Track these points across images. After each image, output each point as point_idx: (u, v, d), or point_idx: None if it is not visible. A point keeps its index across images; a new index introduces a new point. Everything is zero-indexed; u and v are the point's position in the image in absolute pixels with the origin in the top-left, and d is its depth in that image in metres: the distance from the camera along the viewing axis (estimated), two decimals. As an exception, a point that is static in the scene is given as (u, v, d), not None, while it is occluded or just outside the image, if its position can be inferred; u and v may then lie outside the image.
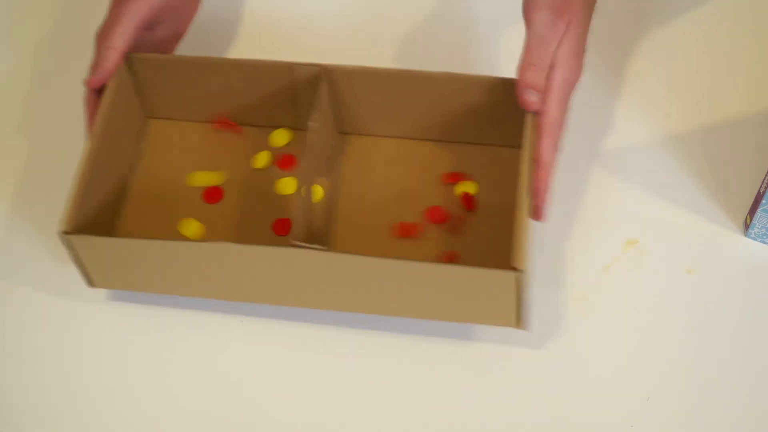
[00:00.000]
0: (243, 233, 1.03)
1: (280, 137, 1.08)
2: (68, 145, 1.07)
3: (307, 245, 0.92)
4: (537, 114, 0.97)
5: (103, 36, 1.02)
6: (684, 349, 1.00)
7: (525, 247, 0.90)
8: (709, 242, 1.05)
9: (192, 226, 1.03)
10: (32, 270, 1.04)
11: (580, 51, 0.98)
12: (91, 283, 0.98)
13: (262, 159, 1.07)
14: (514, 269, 0.89)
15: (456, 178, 1.04)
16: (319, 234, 1.01)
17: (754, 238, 1.04)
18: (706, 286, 1.02)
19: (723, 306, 1.01)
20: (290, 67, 1.02)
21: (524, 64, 0.97)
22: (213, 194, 1.05)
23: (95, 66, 1.02)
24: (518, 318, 0.94)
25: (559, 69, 0.97)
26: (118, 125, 1.04)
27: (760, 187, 1.02)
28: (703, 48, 1.16)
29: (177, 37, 1.09)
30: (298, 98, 1.04)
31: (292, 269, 0.94)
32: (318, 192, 1.04)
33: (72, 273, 0.99)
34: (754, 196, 1.04)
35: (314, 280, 0.95)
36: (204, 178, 1.06)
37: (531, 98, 0.96)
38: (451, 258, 1.00)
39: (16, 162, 1.10)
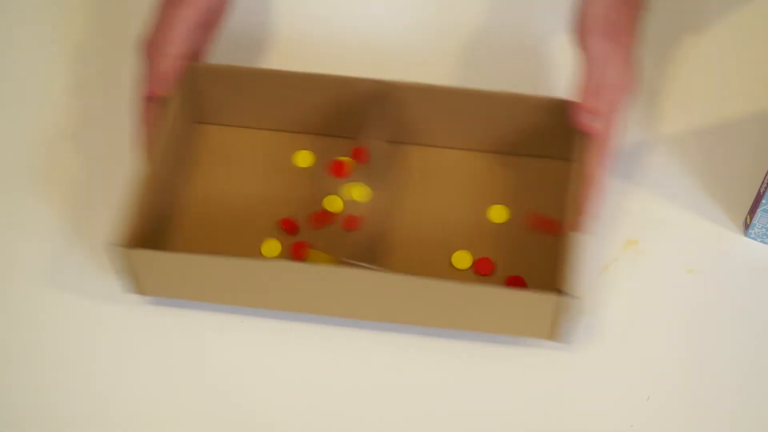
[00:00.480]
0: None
1: (303, 159, 1.07)
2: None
3: (364, 265, 0.93)
4: (594, 135, 0.98)
5: (155, 44, 1.00)
6: (684, 349, 1.00)
7: (569, 269, 0.92)
8: (709, 242, 1.05)
9: (273, 247, 1.02)
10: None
11: (632, 69, 0.99)
12: (136, 291, 0.98)
13: (304, 158, 1.06)
14: (559, 291, 0.92)
15: (545, 226, 1.04)
16: (375, 249, 1.01)
17: (754, 238, 1.04)
18: (706, 286, 1.02)
19: (723, 306, 1.01)
20: (353, 82, 1.02)
21: (585, 90, 0.98)
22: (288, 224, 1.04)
23: (152, 75, 1.00)
24: (556, 333, 0.96)
25: (616, 91, 0.98)
26: (177, 136, 1.02)
27: (760, 187, 1.02)
28: (704, 48, 1.16)
29: (209, 41, 1.07)
30: (359, 112, 1.04)
31: (345, 286, 0.95)
32: (362, 192, 1.04)
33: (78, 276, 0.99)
34: (754, 196, 1.04)
35: (363, 295, 0.95)
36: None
37: (593, 123, 0.98)
38: (516, 281, 1.01)
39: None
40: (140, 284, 0.98)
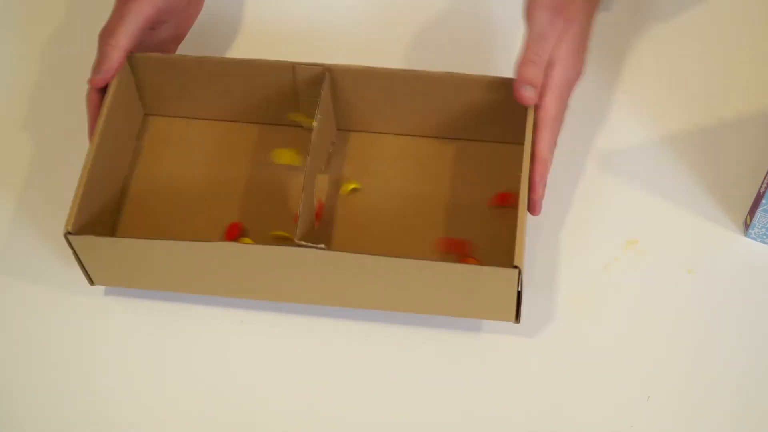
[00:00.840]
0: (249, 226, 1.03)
1: (285, 156, 1.07)
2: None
3: (311, 245, 0.92)
4: (535, 110, 0.98)
5: (106, 35, 1.02)
6: (684, 349, 1.00)
7: (523, 245, 0.91)
8: (709, 242, 1.05)
9: (286, 155, 1.04)
10: (34, 268, 1.04)
11: (580, 49, 0.99)
12: (91, 281, 0.99)
13: (284, 155, 1.06)
14: (516, 267, 0.90)
15: (505, 200, 1.03)
16: (322, 230, 1.01)
17: (754, 238, 1.04)
18: (706, 286, 1.02)
19: (723, 306, 1.01)
20: (293, 67, 1.02)
21: (522, 61, 0.98)
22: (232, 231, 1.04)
23: (98, 65, 1.02)
24: (515, 313, 0.95)
25: (558, 66, 0.98)
26: (120, 124, 1.04)
27: (760, 187, 1.02)
28: (704, 47, 1.16)
29: (178, 38, 1.10)
30: (300, 97, 1.04)
31: (295, 268, 0.94)
32: (349, 186, 1.05)
33: (71, 270, 0.99)
34: (754, 196, 1.04)
35: (317, 278, 0.95)
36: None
37: (527, 93, 0.97)
38: (458, 244, 1.01)
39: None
40: (94, 273, 0.98)
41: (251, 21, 1.18)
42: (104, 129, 0.99)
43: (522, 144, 0.97)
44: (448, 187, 1.04)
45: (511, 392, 0.98)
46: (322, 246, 0.92)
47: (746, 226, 1.04)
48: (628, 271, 1.03)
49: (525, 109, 0.98)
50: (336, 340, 1.00)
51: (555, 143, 0.99)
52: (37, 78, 1.15)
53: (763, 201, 1.00)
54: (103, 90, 1.02)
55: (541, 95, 0.98)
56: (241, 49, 1.15)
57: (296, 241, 0.93)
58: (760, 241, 1.04)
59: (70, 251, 0.96)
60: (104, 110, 1.00)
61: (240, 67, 1.04)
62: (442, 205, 1.04)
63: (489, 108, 1.03)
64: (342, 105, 1.05)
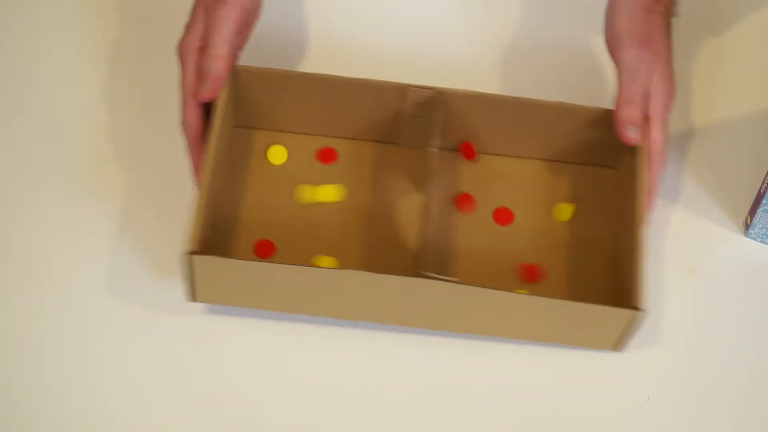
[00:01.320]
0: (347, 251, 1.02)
1: (278, 155, 1.06)
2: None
3: (440, 277, 0.92)
4: (645, 143, 0.99)
5: (198, 47, 0.99)
6: (684, 349, 1.00)
7: (643, 285, 0.93)
8: (709, 242, 1.05)
9: (325, 261, 1.01)
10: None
11: (670, 75, 1.00)
12: (194, 298, 0.97)
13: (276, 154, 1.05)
14: (635, 308, 0.92)
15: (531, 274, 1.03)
16: (442, 259, 1.01)
17: (754, 238, 1.04)
18: (706, 286, 1.02)
19: (723, 306, 1.01)
20: (404, 89, 1.01)
21: (620, 102, 0.99)
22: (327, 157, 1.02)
23: (202, 77, 0.98)
24: (620, 344, 0.97)
25: (656, 98, 0.99)
26: (228, 140, 1.01)
27: (760, 187, 1.02)
28: (704, 47, 1.16)
29: (244, 44, 1.05)
30: (407, 119, 1.03)
31: (418, 297, 0.94)
32: (337, 192, 1.04)
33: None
34: (754, 196, 1.04)
35: (435, 307, 0.95)
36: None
37: (631, 135, 0.99)
38: (534, 271, 1.01)
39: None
40: (201, 291, 0.96)
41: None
42: (218, 145, 0.97)
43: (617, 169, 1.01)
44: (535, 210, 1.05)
45: (509, 393, 0.98)
46: (456, 279, 0.93)
47: (746, 227, 1.04)
48: (628, 271, 1.03)
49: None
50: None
51: (662, 174, 1.01)
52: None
53: (763, 201, 1.00)
54: (205, 105, 0.99)
55: (647, 130, 0.99)
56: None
57: (424, 273, 0.93)
58: (760, 241, 1.04)
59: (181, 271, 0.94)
60: (216, 124, 0.97)
61: (348, 85, 1.01)
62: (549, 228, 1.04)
63: (590, 136, 1.04)
64: (449, 129, 1.04)
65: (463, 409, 0.97)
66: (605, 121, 1.01)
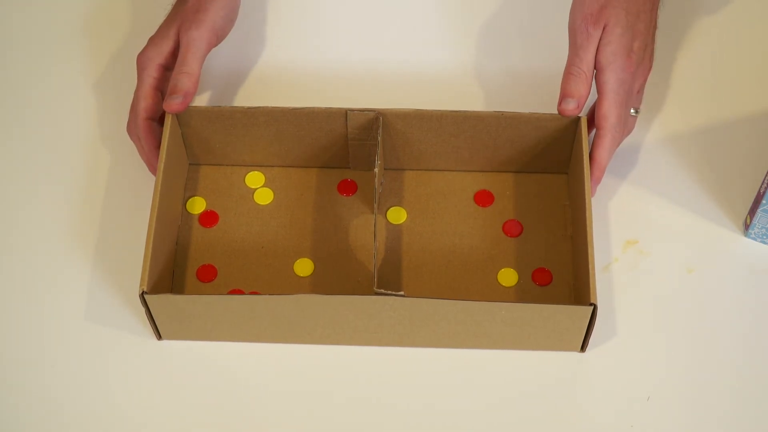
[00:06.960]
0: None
1: (256, 179, 1.07)
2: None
3: (390, 293, 0.93)
4: (595, 119, 1.00)
5: (160, 65, 1.03)
6: (684, 349, 1.00)
7: (594, 280, 0.94)
8: (709, 242, 1.05)
9: (305, 266, 1.02)
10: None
11: (628, 48, 1.00)
12: (159, 336, 0.98)
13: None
14: (592, 304, 0.93)
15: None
16: (390, 274, 1.02)
17: (754, 238, 1.04)
18: (706, 286, 1.02)
19: (723, 306, 1.02)
20: (344, 113, 1.02)
21: (563, 76, 1.00)
22: (208, 218, 1.04)
23: (172, 90, 1.00)
24: (583, 344, 0.98)
25: (606, 72, 1.00)
26: (173, 176, 1.02)
27: (760, 187, 1.02)
28: (704, 48, 1.16)
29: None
30: (353, 142, 1.04)
31: (374, 315, 0.95)
32: (400, 215, 1.05)
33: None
34: (754, 196, 1.04)
35: (389, 322, 0.95)
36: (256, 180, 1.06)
37: (567, 106, 0.99)
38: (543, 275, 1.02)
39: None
40: (164, 329, 0.97)
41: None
42: (163, 182, 0.98)
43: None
44: (498, 218, 1.05)
45: (508, 393, 0.98)
46: (402, 293, 0.93)
47: (746, 227, 1.04)
48: (628, 271, 1.03)
49: (573, 140, 1.01)
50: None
51: (615, 148, 1.01)
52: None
53: (763, 201, 1.00)
54: (160, 121, 1.02)
55: (599, 104, 1.00)
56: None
57: (375, 289, 0.93)
58: (760, 241, 1.04)
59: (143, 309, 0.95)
60: (161, 163, 0.98)
61: (291, 115, 1.02)
62: (492, 238, 1.04)
63: (538, 142, 1.03)
64: (391, 146, 1.05)
65: (463, 409, 0.97)
66: (551, 126, 1.01)
